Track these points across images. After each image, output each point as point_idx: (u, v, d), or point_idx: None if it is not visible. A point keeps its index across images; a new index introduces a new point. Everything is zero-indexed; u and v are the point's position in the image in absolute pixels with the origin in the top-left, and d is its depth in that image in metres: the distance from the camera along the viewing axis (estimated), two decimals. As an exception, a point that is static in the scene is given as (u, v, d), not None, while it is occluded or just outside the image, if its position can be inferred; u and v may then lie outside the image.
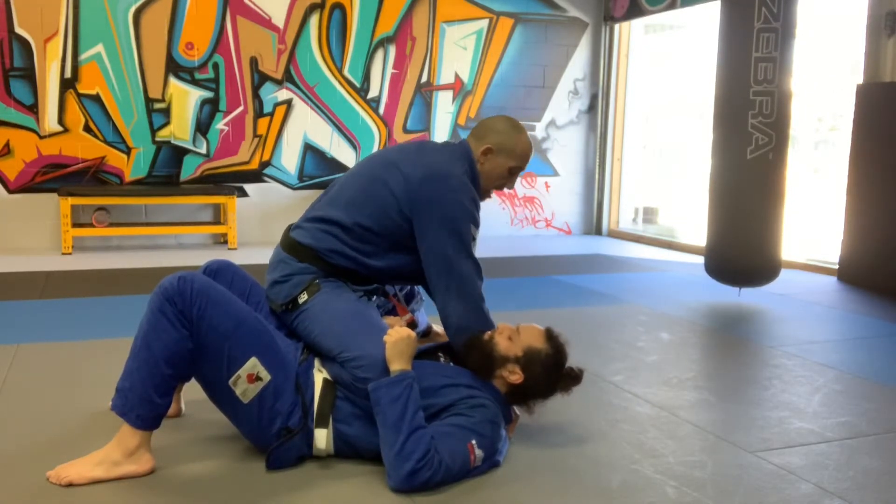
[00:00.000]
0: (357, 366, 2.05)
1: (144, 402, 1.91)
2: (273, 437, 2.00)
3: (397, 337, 2.03)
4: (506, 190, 2.50)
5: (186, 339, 1.91)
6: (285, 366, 2.03)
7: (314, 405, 2.04)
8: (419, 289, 2.79)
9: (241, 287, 2.29)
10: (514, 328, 2.19)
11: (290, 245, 2.32)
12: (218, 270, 2.30)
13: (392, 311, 2.67)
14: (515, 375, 2.11)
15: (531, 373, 2.11)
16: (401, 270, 2.37)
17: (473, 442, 1.95)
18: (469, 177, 2.33)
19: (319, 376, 2.09)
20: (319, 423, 2.03)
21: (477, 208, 2.32)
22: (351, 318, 2.20)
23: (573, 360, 2.23)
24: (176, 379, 1.95)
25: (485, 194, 2.46)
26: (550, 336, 2.19)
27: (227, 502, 1.86)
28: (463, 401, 2.03)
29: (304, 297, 2.24)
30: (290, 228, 2.41)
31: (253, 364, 1.96)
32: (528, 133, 2.49)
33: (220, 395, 2.00)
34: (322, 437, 2.03)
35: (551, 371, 2.14)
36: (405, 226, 2.27)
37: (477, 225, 2.31)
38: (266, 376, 1.98)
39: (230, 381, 1.95)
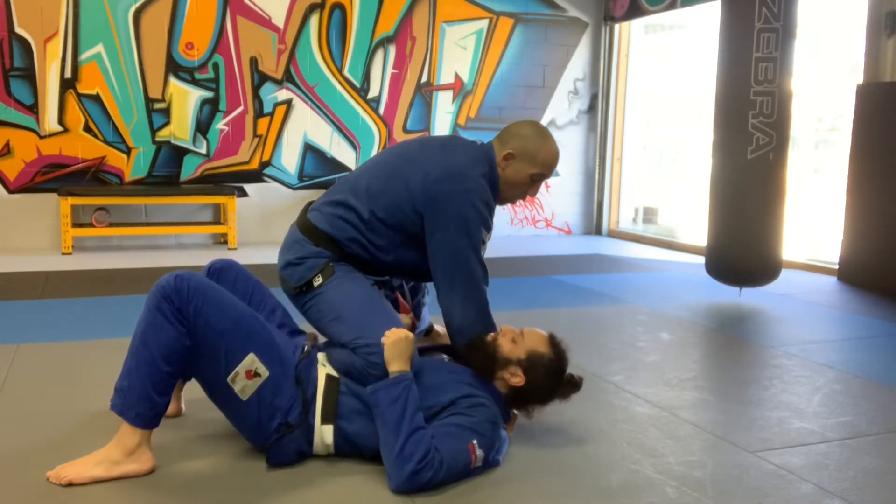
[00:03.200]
0: (371, 352, 2.07)
1: (143, 401, 1.91)
2: (272, 435, 2.00)
3: (395, 338, 2.04)
4: (528, 197, 2.46)
5: (184, 337, 1.91)
6: (283, 361, 2.03)
7: (316, 400, 2.04)
8: (426, 287, 2.80)
9: (244, 286, 2.30)
10: (517, 331, 2.19)
11: (307, 227, 2.33)
12: (222, 269, 2.31)
13: (394, 306, 2.67)
14: (517, 378, 2.11)
15: (533, 376, 2.11)
16: (410, 267, 2.38)
17: (474, 442, 1.95)
18: (488, 180, 2.30)
19: (322, 371, 2.09)
20: (325, 419, 2.03)
21: (490, 212, 2.29)
22: (365, 304, 2.22)
23: (573, 361, 2.24)
24: (174, 377, 1.95)
25: (506, 200, 2.42)
26: (553, 342, 2.19)
27: (228, 501, 1.86)
28: (463, 399, 2.03)
29: (318, 280, 2.25)
30: (307, 208, 2.40)
31: (251, 360, 1.96)
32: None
33: (219, 393, 2.01)
34: (328, 433, 2.03)
35: (553, 377, 2.15)
36: (417, 221, 2.27)
37: (488, 229, 2.30)
38: (264, 372, 1.98)
39: (228, 379, 1.95)
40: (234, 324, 1.97)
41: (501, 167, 2.34)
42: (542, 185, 2.45)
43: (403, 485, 1.87)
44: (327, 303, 2.23)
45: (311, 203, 2.42)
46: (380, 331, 2.11)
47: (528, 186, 2.39)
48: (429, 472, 1.86)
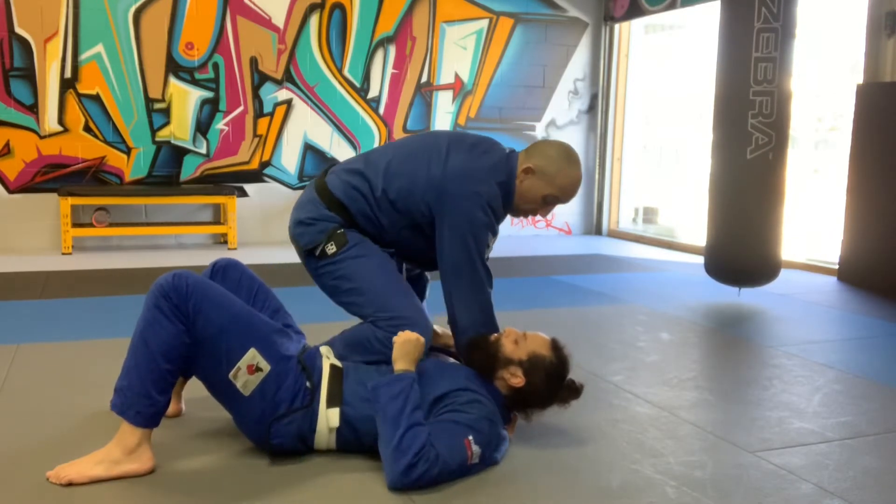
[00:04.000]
0: (395, 325, 2.14)
1: (143, 399, 1.91)
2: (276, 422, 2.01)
3: (405, 339, 2.07)
4: (538, 217, 2.49)
5: (183, 334, 1.91)
6: (285, 354, 2.04)
7: (321, 387, 2.04)
8: (428, 283, 2.81)
9: (248, 286, 2.31)
10: (520, 333, 2.20)
11: (322, 189, 2.37)
12: (226, 268, 2.31)
13: None
14: (517, 379, 2.11)
15: (533, 378, 2.12)
16: (408, 251, 2.41)
17: (470, 438, 1.95)
18: (503, 188, 2.31)
19: (327, 363, 2.10)
20: (330, 402, 2.03)
21: (497, 218, 2.31)
22: (384, 277, 2.28)
23: (573, 361, 2.23)
24: (174, 374, 1.95)
25: (518, 213, 2.42)
26: (556, 346, 2.19)
27: (228, 500, 1.86)
28: (459, 392, 2.03)
29: (332, 248, 2.29)
30: (327, 170, 2.44)
31: (252, 355, 1.96)
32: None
33: (221, 390, 2.00)
34: (335, 416, 2.03)
35: (553, 380, 2.15)
36: (425, 211, 2.30)
37: (494, 234, 2.32)
38: (266, 366, 1.98)
39: (230, 375, 1.95)
40: (233, 320, 1.97)
41: (520, 179, 2.34)
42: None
43: (398, 479, 1.86)
44: (344, 273, 2.27)
45: (332, 164, 2.45)
46: (402, 304, 2.18)
47: (539, 205, 2.39)
48: (423, 466, 1.86)
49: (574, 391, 2.19)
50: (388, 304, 2.18)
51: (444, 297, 2.33)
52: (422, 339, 2.09)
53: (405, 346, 2.05)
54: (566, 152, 2.37)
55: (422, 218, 2.30)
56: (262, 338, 2.01)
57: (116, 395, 1.95)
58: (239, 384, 1.96)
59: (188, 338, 1.92)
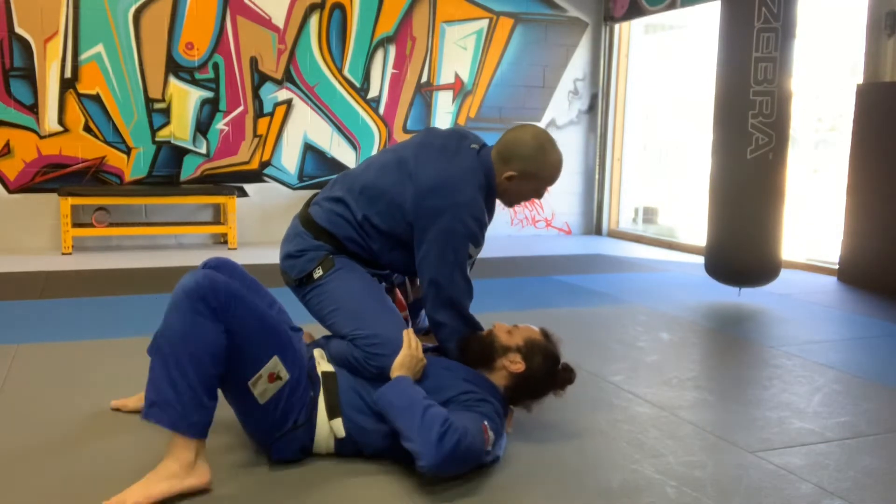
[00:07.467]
0: (371, 343, 2.11)
1: (198, 409, 1.82)
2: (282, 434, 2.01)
3: (411, 354, 2.08)
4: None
5: (224, 335, 1.84)
6: (300, 362, 2.03)
7: (319, 397, 2.04)
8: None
9: (240, 284, 2.28)
10: (510, 326, 2.24)
11: (308, 221, 2.36)
12: (217, 268, 2.27)
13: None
14: (517, 364, 2.13)
15: (532, 363, 2.14)
16: (404, 267, 2.40)
17: (486, 423, 1.95)
18: (483, 192, 2.28)
19: (318, 369, 2.10)
20: (332, 414, 2.02)
21: (481, 227, 2.27)
22: (365, 296, 2.25)
23: (573, 360, 2.25)
24: (220, 378, 1.88)
25: (511, 205, 2.45)
26: (546, 333, 2.24)
27: (227, 502, 1.86)
28: (464, 394, 2.04)
29: (318, 273, 2.28)
30: (310, 201, 2.43)
31: (275, 363, 1.94)
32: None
33: (236, 394, 1.97)
34: (339, 427, 2.02)
35: (550, 363, 2.18)
36: (409, 230, 2.28)
37: (476, 244, 2.27)
38: (285, 375, 1.96)
39: (250, 382, 1.91)
40: (260, 325, 1.93)
41: (503, 186, 2.33)
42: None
43: (434, 452, 1.79)
44: (327, 294, 2.25)
45: (314, 196, 2.44)
46: (380, 323, 2.14)
47: (532, 195, 2.42)
48: (454, 435, 1.81)
49: (568, 372, 2.22)
50: (365, 324, 2.15)
51: (424, 306, 2.33)
52: (424, 361, 2.11)
53: (407, 359, 2.07)
54: (539, 143, 2.32)
55: (408, 237, 2.28)
56: (284, 345, 1.97)
57: (160, 409, 1.80)
58: (257, 392, 1.92)
59: (226, 339, 1.85)
